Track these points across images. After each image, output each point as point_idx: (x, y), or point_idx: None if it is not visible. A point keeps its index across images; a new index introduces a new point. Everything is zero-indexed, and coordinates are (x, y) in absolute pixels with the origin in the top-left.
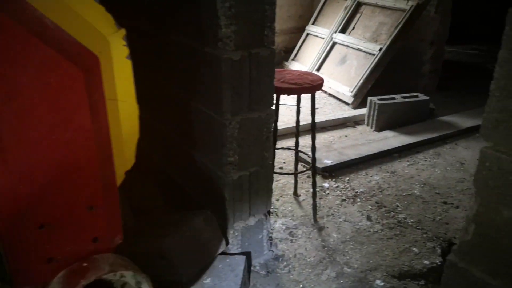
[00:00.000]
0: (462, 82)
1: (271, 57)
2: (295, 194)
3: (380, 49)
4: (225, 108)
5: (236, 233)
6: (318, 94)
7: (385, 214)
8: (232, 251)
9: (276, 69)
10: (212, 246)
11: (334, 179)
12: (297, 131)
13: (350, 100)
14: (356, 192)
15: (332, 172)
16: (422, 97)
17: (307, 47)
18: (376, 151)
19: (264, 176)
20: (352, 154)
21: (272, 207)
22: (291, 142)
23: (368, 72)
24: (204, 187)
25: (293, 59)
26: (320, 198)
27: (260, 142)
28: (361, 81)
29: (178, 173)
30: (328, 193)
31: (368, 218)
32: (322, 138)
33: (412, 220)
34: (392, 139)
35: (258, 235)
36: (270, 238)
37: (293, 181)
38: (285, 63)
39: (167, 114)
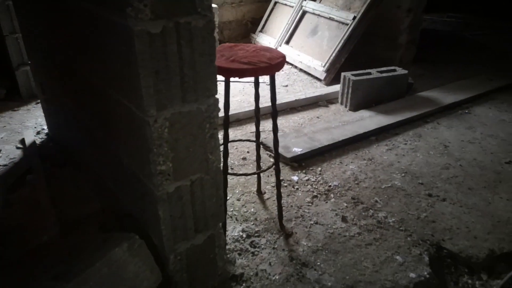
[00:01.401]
0: (439, 52)
1: (208, 28)
2: (259, 191)
3: (354, 18)
4: (147, 101)
5: (179, 257)
6: (287, 69)
7: (363, 213)
8: (175, 280)
9: (226, 44)
10: (140, 282)
11: (304, 171)
12: (257, 120)
13: (322, 75)
14: (329, 186)
15: (302, 162)
16: (400, 71)
17: (276, 17)
18: (351, 135)
19: (211, 183)
20: (324, 139)
21: (231, 210)
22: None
23: (341, 44)
24: (137, 199)
25: (260, 31)
26: (288, 195)
27: (202, 141)
28: (334, 54)
29: (111, 178)
30: (297, 188)
31: (343, 219)
32: (291, 120)
33: (393, 220)
34: (368, 120)
35: (209, 254)
36: (225, 254)
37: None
38: (252, 35)
39: (87, 101)
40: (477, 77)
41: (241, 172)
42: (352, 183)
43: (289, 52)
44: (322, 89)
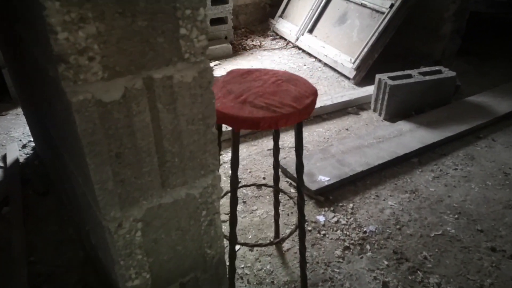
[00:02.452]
0: (485, 42)
1: (202, 82)
2: (277, 238)
3: (392, 6)
4: (104, 202)
5: None
6: (310, 63)
7: (409, 276)
8: None
9: (236, 71)
10: None
11: (332, 207)
12: (275, 185)
13: (351, 73)
14: (364, 231)
15: (330, 194)
16: (446, 72)
17: (298, 1)
18: (389, 158)
19: (210, 281)
20: (356, 163)
21: (241, 267)
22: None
23: (375, 37)
24: None
25: (280, 16)
26: (313, 245)
27: (196, 234)
28: (366, 49)
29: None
30: (324, 234)
31: (385, 286)
32: (316, 133)
33: None
34: (409, 136)
35: None
36: None
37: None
38: (271, 21)
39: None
40: None
41: (254, 208)
42: (392, 228)
43: (313, 43)
44: (351, 92)
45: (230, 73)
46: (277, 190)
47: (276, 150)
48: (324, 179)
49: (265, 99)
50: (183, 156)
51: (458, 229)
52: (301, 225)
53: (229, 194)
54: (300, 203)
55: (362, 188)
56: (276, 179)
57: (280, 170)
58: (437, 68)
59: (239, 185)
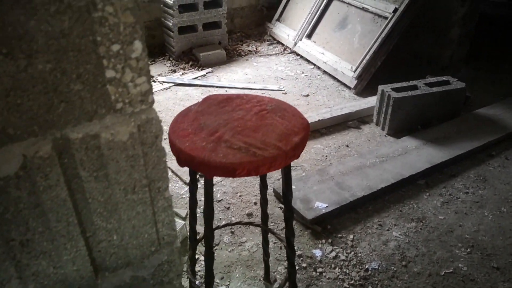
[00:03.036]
0: (495, 46)
1: (145, 138)
2: (267, 279)
3: (395, 10)
4: None
5: None
6: (309, 70)
7: None
8: None
9: (214, 97)
10: None
11: (330, 239)
12: (264, 224)
13: (352, 82)
14: (366, 269)
15: (328, 223)
16: (455, 83)
17: (296, 3)
18: (393, 181)
19: None
20: (357, 187)
21: None
22: None
23: (377, 43)
24: None
25: (277, 20)
26: (308, 286)
27: None
28: (368, 56)
29: None
30: (321, 273)
31: None
32: (313, 150)
33: None
34: (415, 154)
35: None
36: None
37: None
38: (268, 25)
39: None
40: None
41: (243, 240)
42: (398, 265)
43: (311, 49)
44: (352, 104)
45: (206, 100)
46: (265, 230)
47: (263, 187)
48: (321, 206)
49: (245, 137)
50: (124, 233)
51: (471, 266)
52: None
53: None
54: (290, 256)
55: (363, 216)
56: (265, 218)
57: (273, 193)
58: (444, 78)
59: (222, 223)
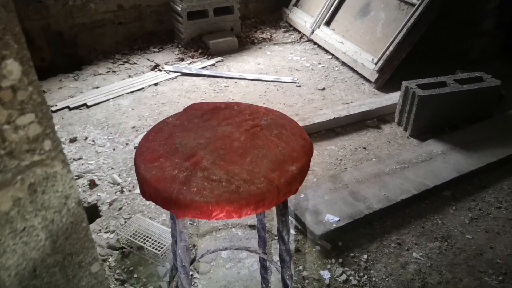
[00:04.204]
0: None
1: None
2: None
3: None
4: None
5: None
6: (326, 61)
7: None
8: None
9: (199, 106)
10: None
11: (341, 259)
12: (263, 251)
13: (372, 76)
14: None
15: (339, 239)
16: (489, 80)
17: None
18: (415, 192)
19: None
20: (374, 197)
21: None
22: None
23: (403, 33)
24: None
25: (294, 5)
26: None
27: None
28: (392, 47)
29: None
30: None
31: None
32: (326, 151)
33: None
34: (440, 161)
35: None
36: None
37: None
38: (285, 10)
39: None
40: None
41: (244, 256)
42: None
43: (330, 37)
44: (372, 100)
45: (187, 110)
46: (263, 258)
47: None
48: (332, 219)
49: (228, 164)
50: None
51: None
52: None
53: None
54: None
55: (380, 232)
56: (263, 243)
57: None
58: (477, 74)
59: (210, 250)
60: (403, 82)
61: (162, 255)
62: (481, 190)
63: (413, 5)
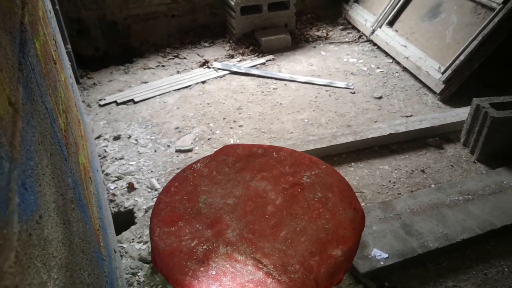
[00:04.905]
0: None
1: None
2: None
3: (506, 1)
4: None
5: None
6: (386, 65)
7: None
8: None
9: (233, 148)
10: None
11: None
12: None
13: (438, 86)
14: None
15: (386, 278)
16: None
17: None
18: (480, 231)
19: None
20: (430, 233)
21: None
22: None
23: (477, 41)
24: None
25: (356, 1)
26: None
27: None
28: (463, 56)
29: None
30: None
31: None
32: (378, 171)
33: None
34: (511, 194)
35: None
36: None
37: None
38: (344, 6)
39: None
40: None
41: None
42: None
43: (392, 39)
44: (436, 116)
45: (219, 153)
46: None
47: None
48: (380, 256)
49: (258, 240)
50: None
51: None
52: None
53: None
54: None
55: (434, 275)
56: None
57: None
58: None
59: None
60: (474, 99)
61: None
62: None
63: (492, 9)
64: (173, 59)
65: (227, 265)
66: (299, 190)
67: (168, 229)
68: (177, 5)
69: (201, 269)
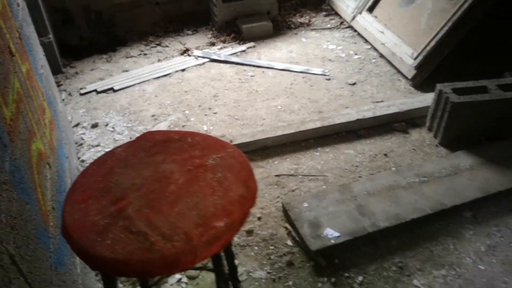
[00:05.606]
0: None
1: None
2: None
3: None
4: None
5: None
6: (364, 51)
7: None
8: None
9: (152, 134)
10: None
11: (334, 278)
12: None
13: (410, 72)
14: None
15: (338, 255)
16: None
17: None
18: (430, 211)
19: None
20: (382, 213)
21: None
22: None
23: (447, 26)
24: None
25: None
26: None
27: None
28: (434, 42)
29: None
30: None
31: None
32: (343, 156)
33: None
34: (467, 177)
35: None
36: None
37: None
38: None
39: None
40: None
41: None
42: None
43: (370, 25)
44: (404, 101)
45: (139, 140)
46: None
47: None
48: (331, 235)
49: (154, 214)
50: None
51: None
52: None
53: None
54: None
55: (383, 252)
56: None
57: (282, 208)
58: None
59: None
60: (437, 84)
61: None
62: (508, 213)
63: None
64: (155, 47)
65: (122, 236)
66: (202, 171)
67: (78, 206)
68: None
69: (99, 239)
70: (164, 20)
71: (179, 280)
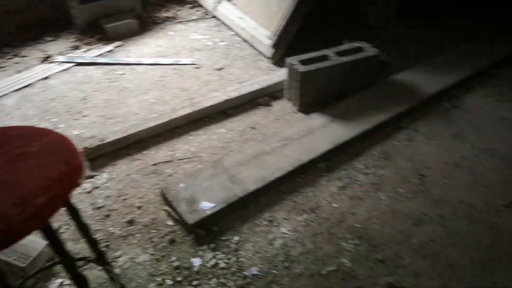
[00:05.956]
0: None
1: None
2: None
3: None
4: None
5: None
6: (228, 37)
7: None
8: None
9: None
10: None
11: (213, 244)
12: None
13: (269, 51)
14: (245, 276)
15: (215, 224)
16: (368, 50)
17: None
18: (290, 168)
19: None
20: (250, 179)
21: None
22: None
23: (293, 5)
24: None
25: None
26: None
27: None
28: (284, 21)
29: None
30: (195, 286)
31: None
32: (215, 135)
33: None
34: (319, 134)
35: None
36: None
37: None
38: None
39: None
40: (475, 42)
41: (118, 254)
42: (279, 267)
43: (231, 13)
44: (264, 78)
45: None
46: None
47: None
48: (206, 207)
49: None
50: None
51: (356, 261)
52: None
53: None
54: None
55: (254, 212)
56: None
57: (160, 194)
58: (357, 45)
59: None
60: (286, 58)
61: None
62: (354, 158)
63: None
64: (12, 58)
65: None
66: (23, 158)
67: None
68: (8, 1)
69: None
70: (20, 29)
71: (61, 284)
